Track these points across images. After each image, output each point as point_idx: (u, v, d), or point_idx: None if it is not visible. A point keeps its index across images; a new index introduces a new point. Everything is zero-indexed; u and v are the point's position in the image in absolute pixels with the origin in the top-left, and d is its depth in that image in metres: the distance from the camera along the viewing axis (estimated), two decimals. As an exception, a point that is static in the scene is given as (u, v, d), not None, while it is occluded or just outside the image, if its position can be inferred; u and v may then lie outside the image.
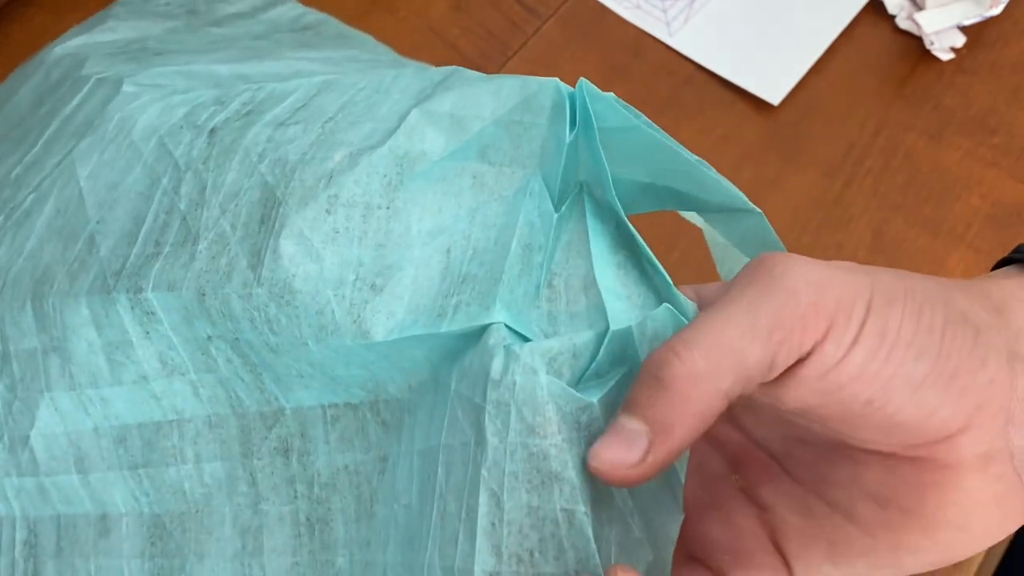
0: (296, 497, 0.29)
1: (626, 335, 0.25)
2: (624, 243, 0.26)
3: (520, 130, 0.26)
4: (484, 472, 0.23)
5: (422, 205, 0.26)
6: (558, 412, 0.23)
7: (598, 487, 0.24)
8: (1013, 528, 0.25)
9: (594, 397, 0.24)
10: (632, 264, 0.26)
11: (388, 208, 0.26)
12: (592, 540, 0.23)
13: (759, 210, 0.27)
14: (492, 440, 0.23)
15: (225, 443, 0.30)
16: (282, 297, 0.26)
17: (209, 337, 0.28)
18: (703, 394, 0.22)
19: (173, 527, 0.31)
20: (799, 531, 0.26)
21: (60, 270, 0.31)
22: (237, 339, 0.28)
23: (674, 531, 0.25)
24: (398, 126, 0.26)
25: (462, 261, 0.26)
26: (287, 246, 0.26)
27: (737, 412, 0.27)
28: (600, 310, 0.25)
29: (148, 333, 0.29)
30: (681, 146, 0.26)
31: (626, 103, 0.26)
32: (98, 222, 0.31)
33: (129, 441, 0.31)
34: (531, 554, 0.23)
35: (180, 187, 0.29)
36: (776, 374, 0.23)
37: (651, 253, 0.26)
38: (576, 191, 0.27)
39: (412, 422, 0.27)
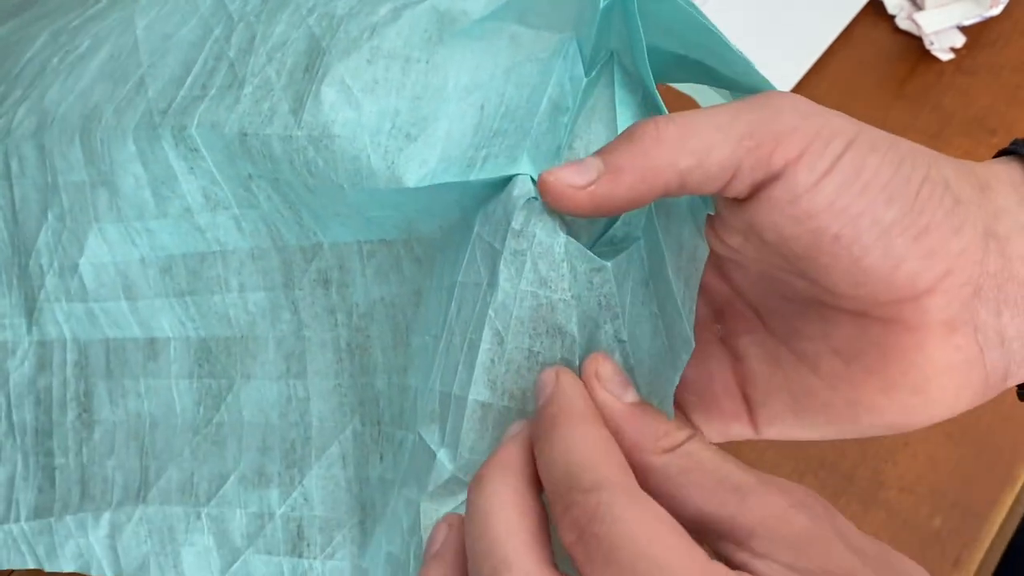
0: (336, 325, 0.31)
1: (646, 208, 0.26)
2: (649, 113, 0.27)
3: None
4: (491, 312, 0.25)
5: (460, 61, 0.27)
6: (571, 270, 0.25)
7: (602, 344, 0.25)
8: (969, 403, 0.26)
9: (607, 261, 0.25)
10: None
11: (427, 62, 0.27)
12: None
13: (778, 90, 0.28)
14: (504, 284, 0.25)
15: (267, 274, 0.32)
16: (320, 141, 0.27)
17: (250, 175, 0.30)
18: (659, 158, 0.23)
19: (219, 351, 0.33)
20: (767, 380, 0.28)
21: (108, 108, 0.33)
22: (277, 179, 0.29)
23: (669, 400, 0.27)
24: None
25: (494, 117, 0.27)
26: (328, 92, 0.27)
27: (727, 267, 0.28)
28: None
29: (192, 169, 0.31)
30: (714, 26, 0.26)
31: None
32: (150, 66, 0.32)
33: (175, 270, 0.33)
34: (523, 393, 0.25)
35: (231, 37, 0.31)
36: (744, 188, 0.24)
37: None
38: (606, 58, 0.27)
39: (443, 259, 0.28)
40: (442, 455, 0.25)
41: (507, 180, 0.26)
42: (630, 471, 0.22)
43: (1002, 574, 0.43)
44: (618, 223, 0.26)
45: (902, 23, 0.53)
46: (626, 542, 0.20)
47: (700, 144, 0.23)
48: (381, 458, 0.30)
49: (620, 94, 0.27)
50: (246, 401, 0.32)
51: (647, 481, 0.23)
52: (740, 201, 0.25)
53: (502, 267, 0.25)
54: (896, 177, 0.24)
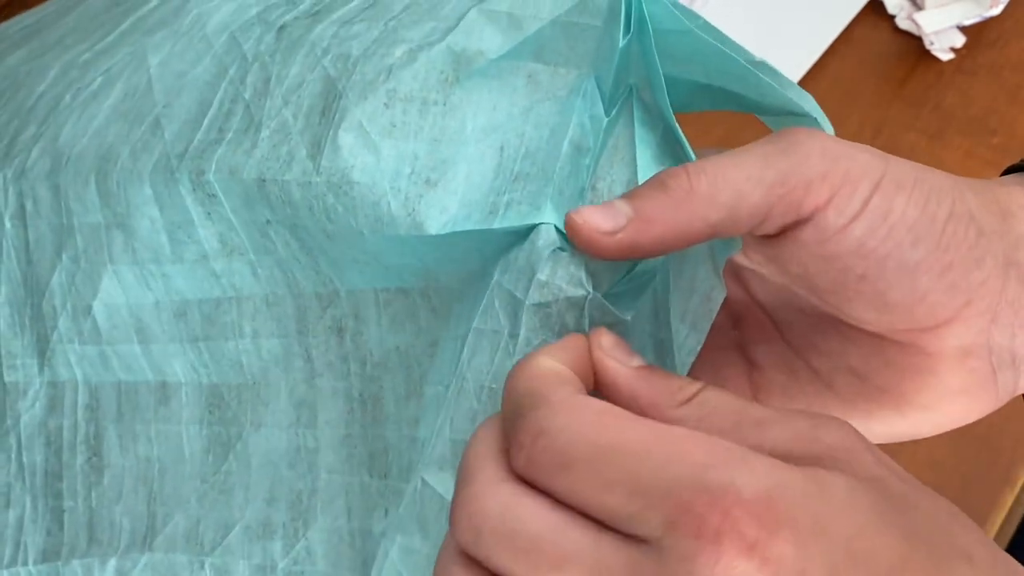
0: (349, 374, 0.30)
1: None
2: (669, 150, 0.27)
3: (576, 31, 0.27)
4: (515, 362, 0.24)
5: (477, 102, 0.27)
6: (592, 322, 0.25)
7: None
8: (977, 416, 0.27)
9: (627, 315, 0.25)
10: None
11: (444, 104, 0.27)
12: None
13: (814, 115, 0.28)
14: (528, 335, 0.25)
15: (281, 321, 0.31)
16: (340, 187, 0.27)
17: (268, 221, 0.29)
18: (692, 211, 0.23)
19: (231, 398, 0.32)
20: (782, 390, 0.28)
21: (124, 149, 0.32)
22: (295, 224, 0.29)
23: None
24: (457, 24, 0.27)
25: (515, 159, 0.27)
26: (346, 138, 0.27)
27: (746, 275, 0.28)
28: None
29: (209, 214, 0.30)
30: (738, 48, 0.26)
31: (682, 5, 0.26)
32: (164, 106, 0.32)
33: (189, 315, 0.32)
34: None
35: (246, 77, 0.30)
36: (772, 229, 0.24)
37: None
38: (625, 95, 0.27)
39: (459, 310, 0.28)
40: None
41: (530, 228, 0.26)
42: (570, 383, 0.22)
43: (1002, 574, 0.43)
44: (638, 268, 0.26)
45: (902, 23, 0.53)
46: (575, 443, 0.19)
47: (732, 197, 0.23)
48: (386, 512, 0.29)
49: (640, 132, 0.27)
50: (255, 450, 0.32)
51: None
52: (766, 237, 0.25)
53: (525, 318, 0.25)
54: (922, 217, 0.24)
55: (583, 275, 0.25)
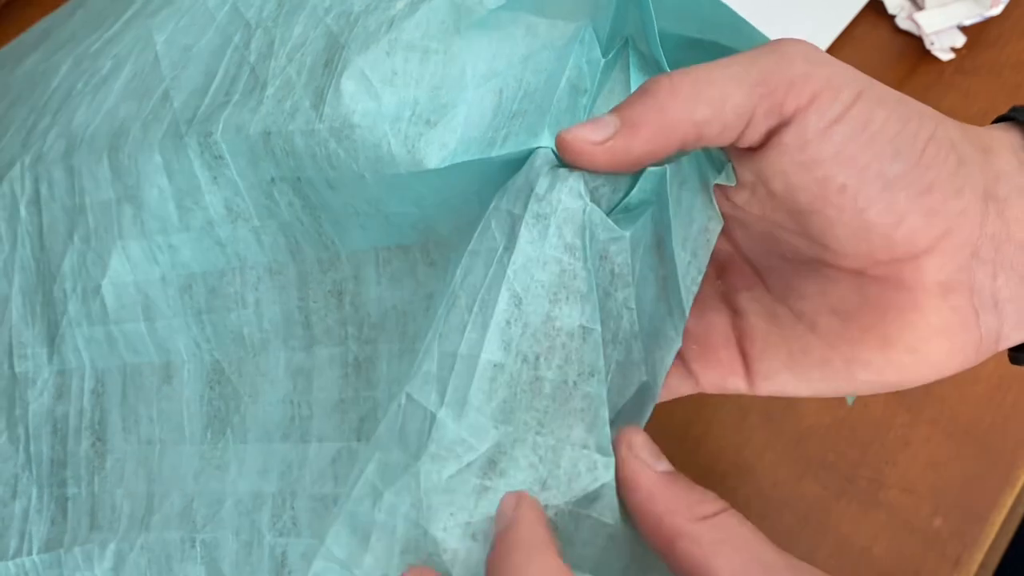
0: (347, 338, 0.31)
1: (659, 175, 0.26)
2: None
3: None
4: (510, 272, 0.25)
5: (477, 51, 0.27)
6: (593, 238, 0.25)
7: (612, 312, 0.25)
8: (963, 364, 0.26)
9: (626, 231, 0.25)
10: None
11: (445, 53, 0.27)
12: (602, 357, 0.25)
13: None
14: (526, 247, 0.25)
15: (284, 289, 0.32)
16: (341, 131, 0.27)
17: (272, 179, 0.30)
18: (675, 111, 0.24)
19: (231, 371, 0.33)
20: (764, 336, 0.28)
21: (135, 124, 0.33)
22: (298, 178, 0.29)
23: (669, 359, 0.27)
24: None
25: (513, 100, 0.27)
26: (348, 85, 0.27)
27: (729, 224, 0.28)
28: None
29: (216, 178, 0.31)
30: (725, 3, 0.27)
31: None
32: (172, 79, 0.33)
33: (194, 288, 0.33)
34: (537, 358, 0.25)
35: (250, 43, 0.31)
36: (756, 136, 0.25)
37: None
38: (622, 44, 0.28)
39: (456, 258, 0.28)
40: (444, 415, 0.25)
41: (527, 155, 0.26)
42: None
43: (1003, 574, 0.43)
44: (634, 191, 0.26)
45: (902, 23, 0.53)
46: None
47: (715, 94, 0.24)
48: None
49: (636, 77, 0.28)
50: (251, 423, 0.32)
51: (677, 545, 0.23)
52: (751, 151, 0.25)
53: (523, 231, 0.25)
54: (903, 132, 0.24)
55: (581, 187, 0.25)
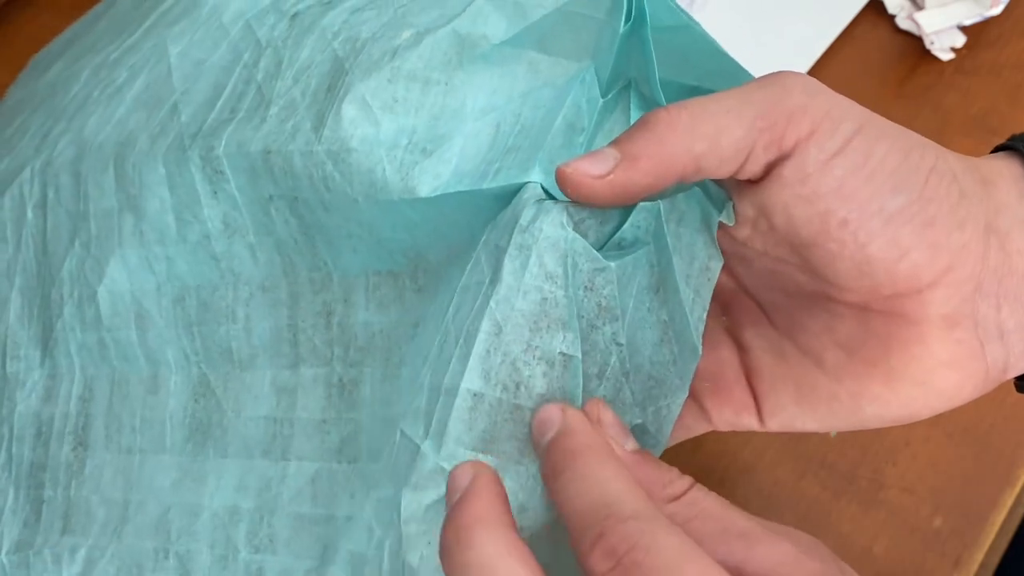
0: (332, 359, 0.31)
1: (654, 211, 0.26)
2: None
3: (579, 21, 0.27)
4: (492, 304, 0.24)
5: (478, 84, 0.28)
6: (575, 267, 0.25)
7: (598, 346, 0.25)
8: (970, 395, 0.26)
9: (612, 262, 0.25)
10: None
11: (446, 84, 0.28)
12: (581, 385, 0.25)
13: None
14: (507, 278, 0.25)
15: (275, 306, 0.32)
16: (338, 155, 0.28)
17: (270, 197, 0.30)
18: (674, 144, 0.24)
19: (217, 385, 0.33)
20: (771, 372, 0.28)
21: (143, 135, 0.34)
22: (295, 198, 0.30)
23: (676, 408, 0.27)
24: (463, 10, 0.28)
25: (509, 135, 0.27)
26: (349, 110, 0.28)
27: (731, 262, 0.28)
28: None
29: (215, 193, 0.31)
30: (726, 52, 0.27)
31: (678, 4, 0.27)
32: (183, 92, 0.34)
33: (187, 301, 0.33)
34: (517, 386, 0.25)
35: (259, 62, 0.32)
36: (757, 168, 0.24)
37: None
38: (624, 85, 0.28)
39: (446, 288, 0.28)
40: (426, 446, 0.25)
41: (517, 189, 0.26)
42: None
43: (1003, 574, 0.43)
44: (627, 226, 0.26)
45: (902, 23, 0.53)
46: (672, 570, 0.19)
47: (713, 128, 0.24)
48: (352, 496, 0.29)
49: (636, 116, 0.27)
50: (233, 437, 0.32)
51: None
52: (752, 184, 0.25)
53: (506, 261, 0.25)
54: (905, 164, 0.24)
55: (564, 218, 0.25)
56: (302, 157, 0.28)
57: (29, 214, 0.37)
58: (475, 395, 0.24)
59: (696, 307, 0.26)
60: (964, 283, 0.25)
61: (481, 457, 0.24)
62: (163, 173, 0.32)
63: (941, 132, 0.50)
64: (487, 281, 0.25)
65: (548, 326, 0.25)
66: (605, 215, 0.26)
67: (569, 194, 0.24)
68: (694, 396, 0.29)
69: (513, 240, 0.25)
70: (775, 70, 0.26)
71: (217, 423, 0.33)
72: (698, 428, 0.29)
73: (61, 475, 0.35)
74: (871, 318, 0.26)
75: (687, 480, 0.23)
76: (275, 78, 0.31)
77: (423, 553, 0.24)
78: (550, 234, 0.25)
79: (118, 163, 0.34)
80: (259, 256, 0.32)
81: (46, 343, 0.36)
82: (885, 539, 0.41)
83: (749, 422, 0.29)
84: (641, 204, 0.26)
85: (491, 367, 0.24)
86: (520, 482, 0.25)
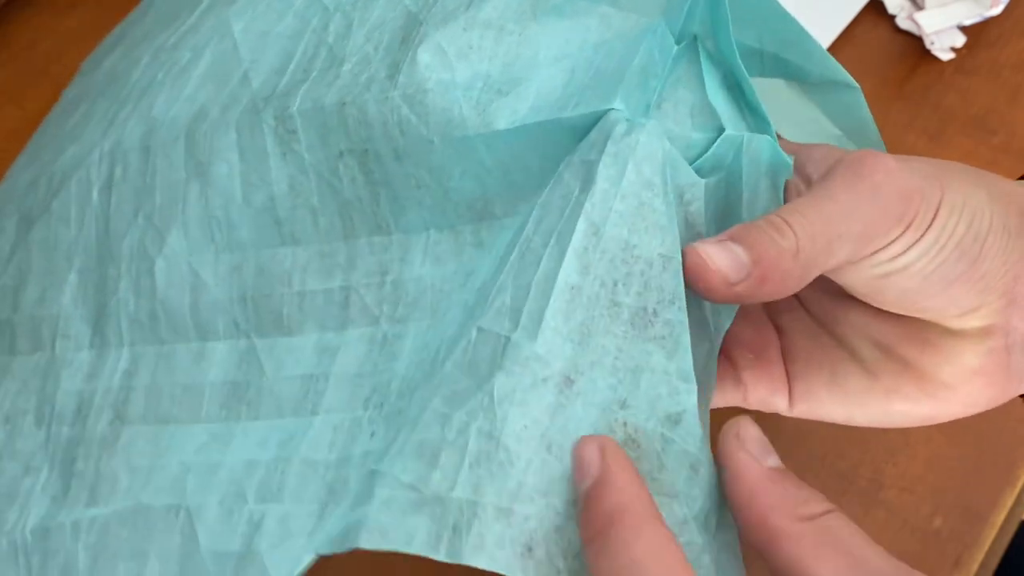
0: (379, 318, 0.31)
1: (735, 143, 0.26)
2: (735, 85, 0.28)
3: None
4: (588, 206, 0.24)
5: (551, 35, 0.28)
6: (671, 177, 0.25)
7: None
8: (991, 403, 0.27)
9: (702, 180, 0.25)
10: (736, 109, 0.28)
11: (520, 34, 0.28)
12: (682, 284, 0.24)
13: (857, 85, 0.29)
14: (602, 184, 0.25)
15: (330, 272, 0.32)
16: (414, 97, 0.28)
17: (340, 153, 0.31)
18: (797, 274, 0.24)
19: (262, 351, 0.33)
20: (807, 355, 0.29)
21: (215, 106, 0.34)
22: (366, 150, 0.30)
23: (727, 324, 0.27)
24: None
25: (585, 77, 0.28)
26: (424, 56, 0.29)
27: None
28: (711, 123, 0.27)
29: (285, 154, 0.32)
30: (791, 15, 0.28)
31: None
32: (251, 62, 0.34)
33: (244, 268, 0.33)
34: (615, 283, 0.24)
35: (329, 26, 0.33)
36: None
37: (760, 101, 0.27)
38: (690, 39, 0.28)
39: (505, 237, 0.28)
40: (518, 336, 0.24)
41: (598, 117, 0.26)
42: None
43: (1003, 574, 0.43)
44: (708, 154, 0.26)
45: (902, 23, 0.53)
46: None
47: (826, 253, 0.24)
48: (372, 435, 0.29)
49: (706, 66, 0.28)
50: (266, 398, 0.32)
51: (778, 544, 0.22)
52: None
53: (600, 169, 0.25)
54: (968, 235, 0.25)
55: (660, 132, 0.25)
56: (377, 104, 0.29)
57: (95, 196, 0.37)
58: (572, 288, 0.24)
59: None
60: (1001, 298, 0.26)
61: (577, 348, 0.24)
62: (234, 138, 0.33)
63: (941, 132, 0.50)
64: (576, 191, 0.25)
65: (646, 228, 0.25)
66: (692, 140, 0.26)
67: (688, 277, 0.24)
68: (736, 367, 0.29)
69: (607, 150, 0.25)
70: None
71: (255, 387, 0.32)
72: (732, 399, 0.30)
73: (95, 448, 0.35)
74: (909, 323, 0.27)
75: (826, 504, 0.23)
76: (346, 38, 0.32)
77: (520, 434, 0.23)
78: (648, 144, 0.25)
79: (189, 134, 0.34)
80: (320, 221, 0.32)
81: (97, 321, 0.36)
82: (885, 539, 0.41)
83: (779, 403, 0.29)
84: (725, 135, 0.26)
85: (589, 262, 0.24)
86: (619, 377, 0.24)
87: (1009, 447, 0.43)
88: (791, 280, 0.24)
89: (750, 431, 0.24)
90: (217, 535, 0.31)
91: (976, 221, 0.25)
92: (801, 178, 0.27)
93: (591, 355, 0.24)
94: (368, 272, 0.31)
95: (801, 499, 0.23)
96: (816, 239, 0.24)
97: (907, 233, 0.25)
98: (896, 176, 0.25)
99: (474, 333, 0.25)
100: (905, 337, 0.27)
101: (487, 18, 0.28)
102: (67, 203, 0.38)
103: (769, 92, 0.32)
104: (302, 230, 0.32)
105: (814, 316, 0.29)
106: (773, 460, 0.24)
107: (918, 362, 0.27)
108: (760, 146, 0.27)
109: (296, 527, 0.29)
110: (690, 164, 0.26)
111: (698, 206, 0.26)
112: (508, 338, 0.24)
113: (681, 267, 0.24)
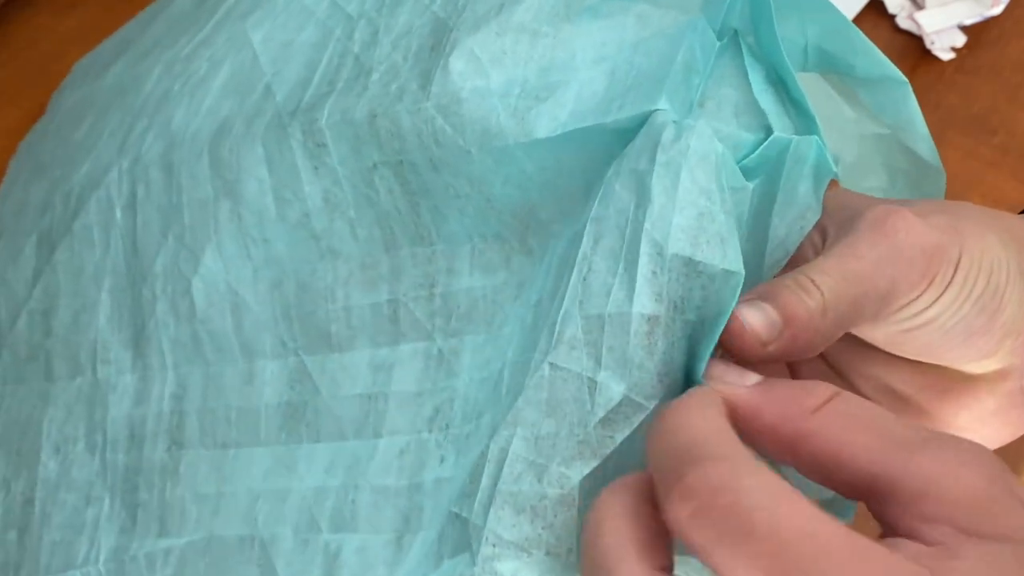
0: (433, 332, 0.30)
1: (781, 145, 0.25)
2: (779, 81, 0.27)
3: None
4: (648, 225, 0.24)
5: (587, 37, 0.27)
6: (725, 182, 0.24)
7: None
8: (1009, 438, 0.28)
9: (751, 183, 0.25)
10: (780, 106, 0.27)
11: (554, 37, 0.27)
12: (736, 300, 0.24)
13: (905, 79, 0.29)
14: (659, 197, 0.24)
15: (374, 284, 0.31)
16: (449, 107, 0.27)
17: (375, 164, 0.30)
18: (824, 331, 0.24)
19: (314, 369, 0.32)
20: None
21: (238, 120, 0.33)
22: (401, 161, 0.29)
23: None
24: None
25: (625, 79, 0.27)
26: (457, 64, 0.28)
27: None
28: (757, 122, 0.26)
29: (316, 168, 0.31)
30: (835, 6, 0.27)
31: None
32: (274, 74, 0.33)
33: (285, 284, 0.32)
34: (682, 300, 0.24)
35: (353, 34, 0.32)
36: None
37: (806, 98, 0.26)
38: (731, 35, 0.27)
39: (555, 245, 0.28)
40: (605, 378, 0.23)
41: (643, 121, 0.25)
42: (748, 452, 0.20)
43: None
44: (755, 156, 0.26)
45: (903, 23, 0.53)
46: (762, 513, 0.18)
47: (856, 318, 0.24)
48: (442, 460, 0.28)
49: (750, 62, 0.27)
50: (326, 420, 0.31)
51: (802, 449, 0.21)
52: None
53: (654, 181, 0.24)
54: (987, 289, 0.25)
55: (712, 131, 0.24)
56: (410, 116, 0.28)
57: (118, 215, 0.36)
58: (650, 319, 0.23)
59: (777, 251, 0.26)
60: (1016, 339, 0.26)
61: (665, 381, 0.23)
62: (261, 153, 0.32)
63: (941, 132, 0.50)
64: (632, 205, 0.24)
65: (708, 241, 0.24)
66: (740, 140, 0.25)
67: (725, 338, 0.24)
68: None
69: (658, 160, 0.24)
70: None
71: (312, 407, 0.32)
72: None
73: (156, 477, 0.34)
74: (926, 371, 0.27)
75: (828, 388, 0.21)
76: (372, 47, 0.30)
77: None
78: (700, 149, 0.24)
79: (213, 149, 0.33)
80: (359, 232, 0.31)
81: (137, 343, 0.35)
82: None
83: None
84: (774, 137, 0.25)
85: (660, 287, 0.23)
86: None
87: (1009, 447, 0.43)
88: (820, 339, 0.24)
89: (714, 370, 0.23)
90: (295, 567, 0.30)
91: (995, 274, 0.25)
92: (817, 229, 0.27)
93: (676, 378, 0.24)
94: (415, 284, 0.30)
95: (801, 394, 0.21)
96: (842, 298, 0.24)
97: (929, 290, 0.25)
98: (917, 233, 0.25)
99: (547, 369, 0.24)
100: (924, 387, 0.27)
101: (520, 22, 0.27)
102: (89, 224, 0.37)
103: (807, 91, 0.32)
104: (340, 243, 0.31)
105: (831, 364, 0.29)
106: (753, 377, 0.23)
107: (936, 411, 0.27)
108: (806, 147, 0.26)
109: (374, 558, 0.29)
110: (741, 162, 0.26)
111: (741, 211, 0.25)
112: (594, 380, 0.24)
113: (741, 282, 0.24)
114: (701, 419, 0.20)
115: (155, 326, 0.35)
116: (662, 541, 0.20)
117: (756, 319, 0.23)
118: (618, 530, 0.20)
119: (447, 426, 0.29)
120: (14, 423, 0.38)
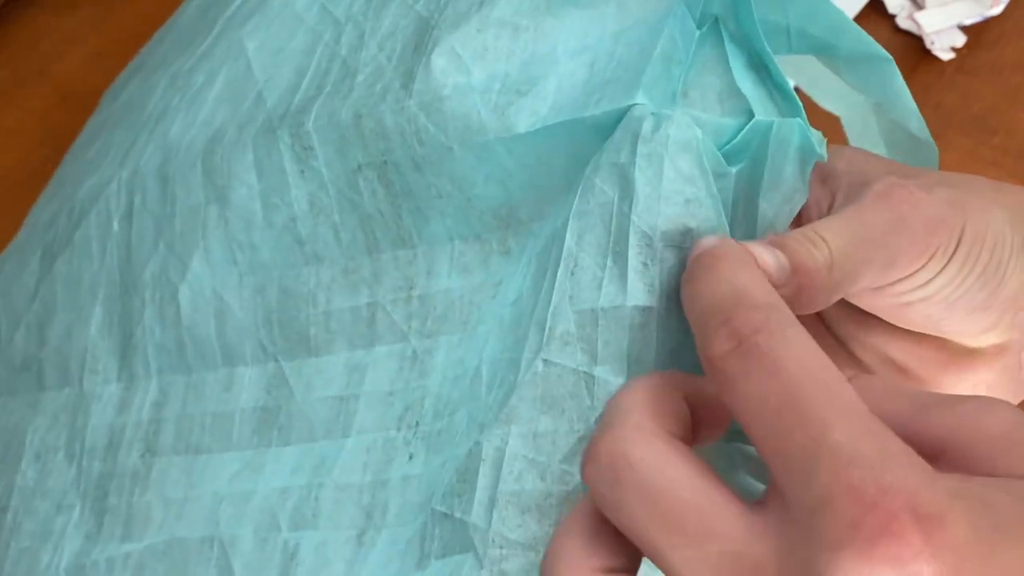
0: (409, 333, 0.30)
1: (764, 128, 0.25)
2: (761, 67, 0.27)
3: None
4: (635, 217, 0.23)
5: (568, 28, 0.27)
6: (708, 168, 0.24)
7: None
8: None
9: (733, 168, 0.25)
10: (764, 91, 0.27)
11: (535, 30, 0.27)
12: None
13: (890, 56, 0.28)
14: (643, 189, 0.24)
15: (355, 288, 0.31)
16: (431, 105, 0.28)
17: (359, 166, 0.30)
18: (829, 291, 0.24)
19: (290, 373, 0.32)
20: None
21: (231, 127, 0.34)
22: (385, 162, 0.29)
23: None
24: None
25: (605, 71, 0.27)
26: (439, 61, 0.28)
27: None
28: (740, 108, 0.26)
29: (303, 172, 0.31)
30: None
31: None
32: (265, 82, 0.34)
33: (268, 289, 0.33)
34: (675, 291, 0.24)
35: (341, 38, 0.32)
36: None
37: (788, 83, 0.26)
38: (711, 21, 0.27)
39: (534, 245, 0.28)
40: (602, 372, 0.23)
41: (622, 115, 0.25)
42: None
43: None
44: (737, 141, 0.26)
45: (903, 23, 0.53)
46: (794, 360, 0.18)
47: (854, 281, 0.24)
48: (410, 457, 0.28)
49: (731, 48, 0.27)
50: (298, 423, 0.31)
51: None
52: None
53: (636, 174, 0.24)
54: (991, 263, 0.25)
55: (689, 119, 0.24)
56: (393, 115, 0.28)
57: (115, 226, 0.36)
58: (644, 310, 0.23)
59: (767, 235, 0.26)
60: (1016, 315, 0.26)
61: (667, 368, 0.23)
62: (251, 159, 0.32)
63: (941, 132, 0.50)
64: (616, 199, 0.24)
65: (697, 227, 0.24)
66: (721, 126, 0.25)
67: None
68: None
69: (639, 152, 0.24)
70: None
71: (285, 411, 0.32)
72: None
73: (127, 482, 0.34)
74: (927, 343, 0.27)
75: (847, 371, 0.22)
76: (359, 49, 0.31)
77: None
78: (680, 137, 0.24)
79: (206, 158, 0.34)
80: (343, 236, 0.31)
81: (124, 352, 0.36)
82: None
83: None
84: (754, 121, 0.25)
85: (652, 279, 0.23)
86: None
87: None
88: (822, 295, 0.24)
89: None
90: (252, 567, 0.30)
91: (998, 249, 0.25)
92: (825, 190, 0.27)
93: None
94: (394, 287, 0.31)
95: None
96: (848, 257, 0.24)
97: (931, 263, 0.25)
98: (922, 206, 0.25)
99: (540, 366, 0.24)
100: (924, 359, 0.27)
101: (500, 16, 0.28)
102: (88, 235, 0.37)
103: (802, 65, 0.32)
104: (325, 248, 0.31)
105: (835, 336, 0.29)
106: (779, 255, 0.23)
107: (935, 383, 0.27)
108: (789, 130, 0.26)
109: (332, 554, 0.28)
110: (722, 148, 0.26)
111: (726, 196, 0.25)
112: (591, 375, 0.23)
113: None
114: (748, 274, 0.21)
115: (142, 333, 0.35)
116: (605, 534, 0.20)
117: (768, 258, 0.23)
118: (640, 389, 0.21)
119: (417, 424, 0.29)
120: (2, 432, 0.38)
